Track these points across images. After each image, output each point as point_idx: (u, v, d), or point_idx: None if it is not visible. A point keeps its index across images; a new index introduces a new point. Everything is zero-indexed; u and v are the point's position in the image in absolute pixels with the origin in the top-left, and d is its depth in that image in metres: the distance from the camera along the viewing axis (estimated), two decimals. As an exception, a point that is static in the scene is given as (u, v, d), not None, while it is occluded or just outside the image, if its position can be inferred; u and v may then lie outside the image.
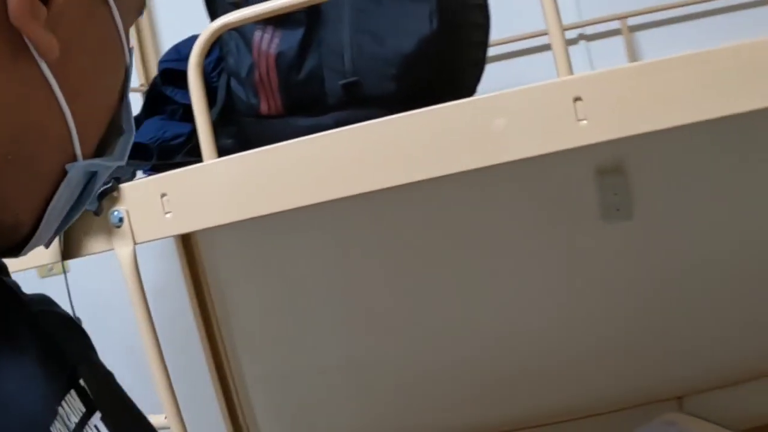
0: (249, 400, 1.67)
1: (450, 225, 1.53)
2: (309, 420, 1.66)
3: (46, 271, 1.88)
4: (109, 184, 0.86)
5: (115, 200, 0.87)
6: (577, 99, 0.79)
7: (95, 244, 0.89)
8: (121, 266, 0.88)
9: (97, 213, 0.86)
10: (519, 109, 0.81)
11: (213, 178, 0.86)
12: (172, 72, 1.09)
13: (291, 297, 1.63)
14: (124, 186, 0.88)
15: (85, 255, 0.91)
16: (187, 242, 1.59)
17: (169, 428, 0.86)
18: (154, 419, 0.86)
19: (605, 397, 1.53)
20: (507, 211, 1.52)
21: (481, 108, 0.82)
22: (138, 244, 0.88)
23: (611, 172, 1.46)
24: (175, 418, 0.85)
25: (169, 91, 1.10)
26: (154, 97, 1.13)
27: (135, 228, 0.87)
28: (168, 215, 0.85)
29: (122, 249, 0.87)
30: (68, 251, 0.90)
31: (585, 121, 0.80)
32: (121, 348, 1.81)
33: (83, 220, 0.89)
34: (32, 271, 1.88)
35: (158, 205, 0.85)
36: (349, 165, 0.83)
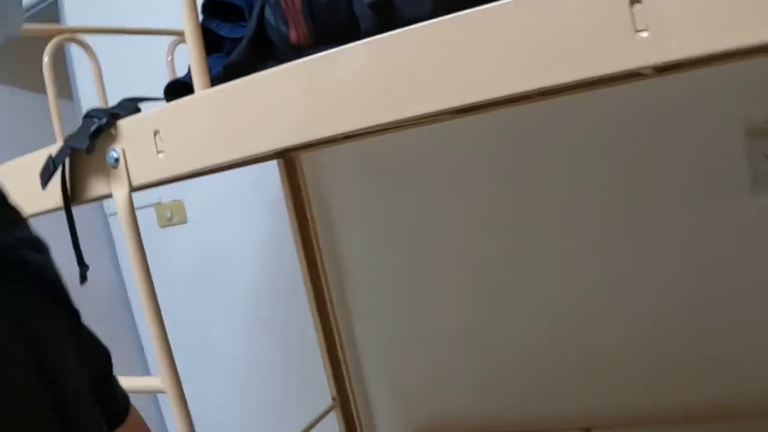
0: (359, 367, 1.58)
1: (579, 200, 1.33)
2: (419, 388, 1.54)
3: (165, 221, 1.88)
4: (104, 120, 0.78)
5: (112, 138, 0.79)
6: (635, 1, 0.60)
7: (96, 187, 0.81)
8: (117, 211, 0.79)
9: (88, 151, 0.77)
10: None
11: (206, 111, 0.74)
12: (216, 3, 0.99)
13: (409, 261, 1.51)
14: (121, 122, 0.79)
15: (87, 200, 0.83)
16: (297, 197, 1.51)
17: (164, 392, 0.77)
18: (149, 380, 0.77)
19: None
20: (643, 184, 1.28)
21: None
22: (135, 189, 0.79)
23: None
24: (171, 381, 0.76)
25: (214, 25, 1.00)
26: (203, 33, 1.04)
27: (131, 169, 0.78)
28: (161, 155, 0.76)
29: (118, 192, 0.79)
30: (73, 196, 0.83)
31: (645, 33, 0.60)
32: (238, 295, 1.82)
33: (86, 163, 0.81)
34: (153, 221, 1.90)
35: (151, 144, 0.76)
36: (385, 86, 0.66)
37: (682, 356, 1.31)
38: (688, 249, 1.26)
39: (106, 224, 2.05)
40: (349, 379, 1.58)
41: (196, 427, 1.92)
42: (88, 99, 1.85)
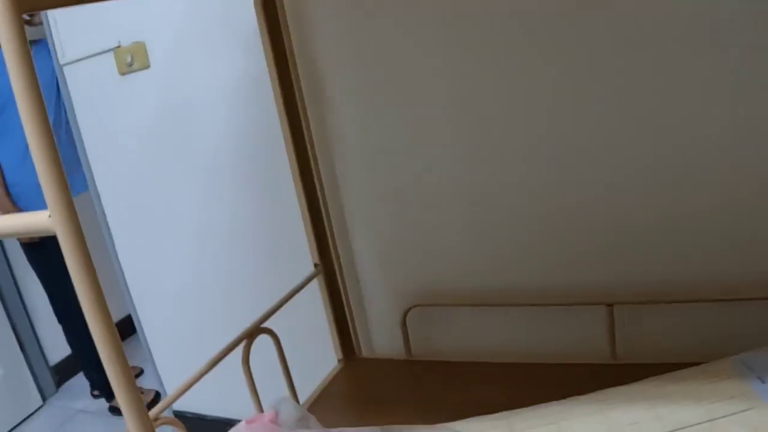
0: (346, 235, 1.39)
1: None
2: (412, 258, 1.36)
3: (125, 67, 1.64)
4: None
5: None
6: None
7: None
8: None
9: None
10: None
11: None
12: None
13: (402, 109, 1.29)
14: None
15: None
16: (275, 32, 1.27)
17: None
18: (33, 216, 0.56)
19: None
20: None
21: None
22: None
23: None
24: (63, 215, 0.54)
25: None
26: None
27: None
28: None
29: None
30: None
31: None
32: (208, 151, 1.61)
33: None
34: (112, 69, 1.66)
35: None
36: None
37: (711, 234, 1.13)
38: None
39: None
40: (334, 247, 1.39)
41: (170, 302, 1.77)
42: None
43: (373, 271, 1.40)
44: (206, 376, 1.08)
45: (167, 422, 0.98)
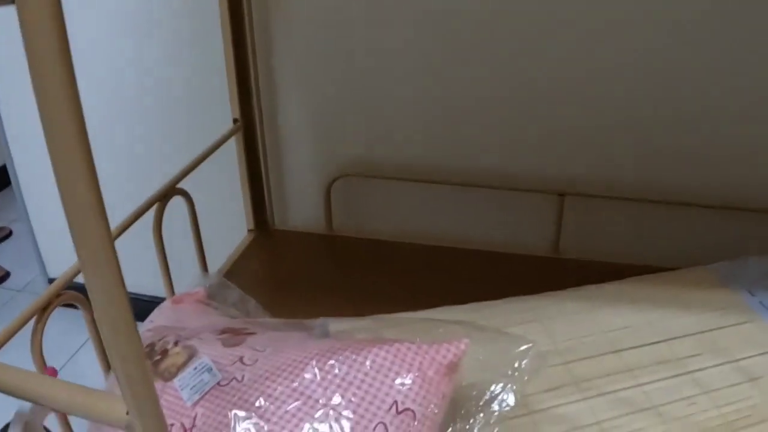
0: (273, 96, 1.20)
1: None
2: (336, 105, 1.19)
3: None
4: None
5: None
6: None
7: None
8: None
9: None
10: None
11: None
12: None
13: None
14: None
15: None
16: None
17: None
18: None
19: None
20: None
21: None
22: None
23: None
24: None
25: None
26: None
27: None
28: None
29: None
30: None
31: None
32: None
33: None
34: None
35: None
36: None
37: (664, 135, 1.06)
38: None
39: None
40: (258, 102, 1.20)
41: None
42: None
43: (300, 134, 1.23)
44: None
45: (70, 299, 0.79)
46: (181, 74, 1.23)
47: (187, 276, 1.01)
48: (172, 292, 1.01)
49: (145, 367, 0.33)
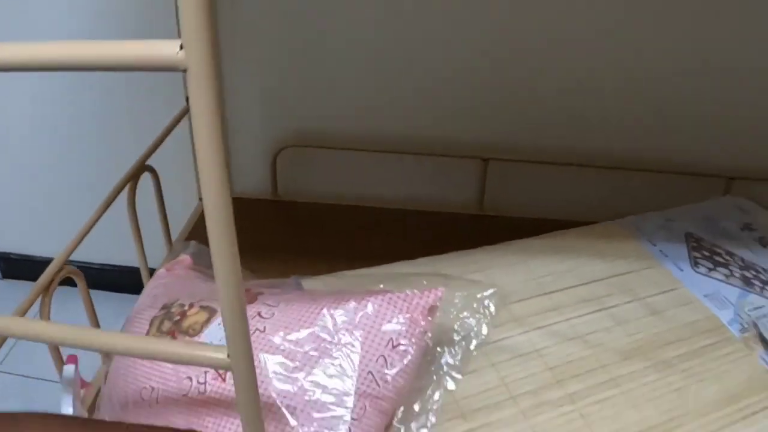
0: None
1: None
2: (283, 79, 1.30)
3: None
4: None
5: None
6: None
7: None
8: None
9: None
10: None
11: None
12: None
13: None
14: None
15: None
16: None
17: None
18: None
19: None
20: None
21: None
22: None
23: None
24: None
25: None
26: None
27: None
28: None
29: None
30: None
31: None
32: None
33: None
34: None
35: None
36: None
37: (585, 102, 1.22)
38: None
39: None
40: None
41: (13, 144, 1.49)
42: None
43: (247, 108, 1.33)
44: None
45: (69, 273, 0.89)
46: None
47: (152, 248, 1.11)
48: (146, 263, 1.11)
49: (245, 318, 0.45)
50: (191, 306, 0.74)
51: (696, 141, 1.26)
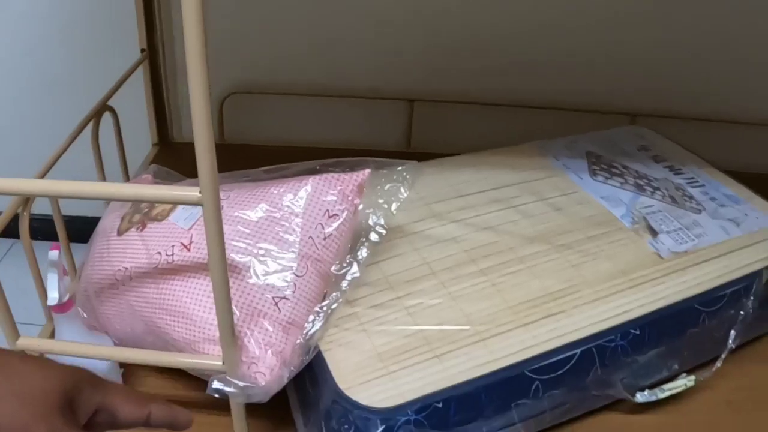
0: (170, 20, 1.39)
1: None
2: (236, 47, 1.41)
3: None
4: None
5: None
6: None
7: None
8: None
9: None
10: None
11: None
12: None
13: None
14: None
15: None
16: None
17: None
18: None
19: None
20: None
21: None
22: None
23: None
24: None
25: None
26: None
27: None
28: None
29: None
30: None
31: None
32: None
33: None
34: None
35: None
36: None
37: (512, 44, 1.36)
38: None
39: None
40: (161, 35, 1.39)
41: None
42: None
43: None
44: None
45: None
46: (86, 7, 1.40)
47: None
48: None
49: (214, 160, 0.56)
50: (159, 200, 0.85)
51: (602, 81, 1.41)
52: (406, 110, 1.44)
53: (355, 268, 0.81)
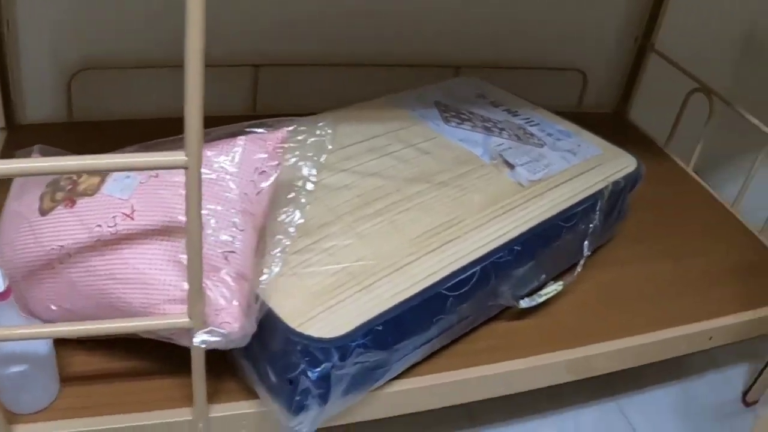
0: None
1: None
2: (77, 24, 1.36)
3: None
4: None
5: None
6: None
7: None
8: None
9: None
10: None
11: None
12: None
13: None
14: None
15: None
16: None
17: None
18: None
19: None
20: None
21: None
22: None
23: None
24: None
25: None
26: None
27: None
28: None
29: None
30: None
31: None
32: None
33: None
34: None
35: None
36: None
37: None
38: None
39: None
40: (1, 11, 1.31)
41: None
42: None
43: (37, 35, 1.37)
44: None
45: None
46: None
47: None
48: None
49: (201, 126, 0.61)
50: (79, 176, 0.85)
51: (428, 36, 1.54)
52: (251, 75, 1.49)
53: (298, 215, 0.88)
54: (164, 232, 0.77)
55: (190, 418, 0.86)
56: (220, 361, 0.87)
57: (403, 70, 1.55)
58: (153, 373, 0.91)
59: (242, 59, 1.47)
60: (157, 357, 0.92)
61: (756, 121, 1.43)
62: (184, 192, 0.76)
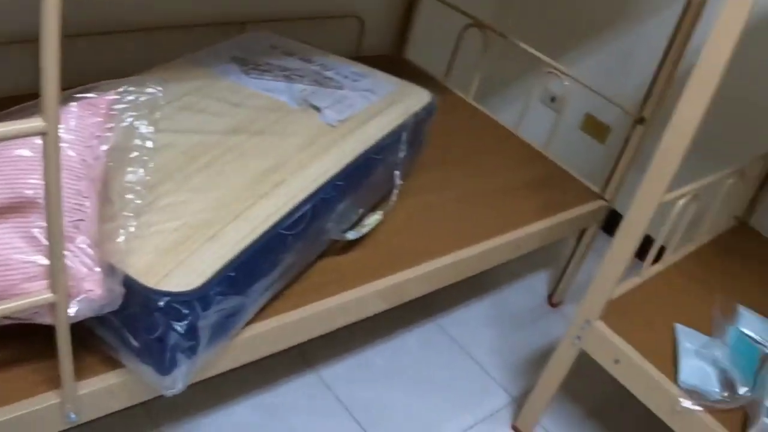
0: None
1: None
2: None
3: None
4: None
5: None
6: None
7: None
8: None
9: None
10: None
11: None
12: None
13: None
14: None
15: None
16: None
17: None
18: None
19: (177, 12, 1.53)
20: None
21: None
22: None
23: None
24: None
25: None
26: None
27: None
28: None
29: None
30: None
31: None
32: None
33: None
34: None
35: None
36: None
37: None
38: None
39: None
40: None
41: None
42: None
43: None
44: None
45: None
46: None
47: None
48: None
49: (59, 91, 0.61)
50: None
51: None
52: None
53: (142, 172, 0.90)
54: (12, 209, 0.76)
55: (59, 400, 0.86)
56: (73, 340, 0.86)
57: (191, 31, 1.55)
58: (7, 363, 0.89)
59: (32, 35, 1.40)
60: (7, 345, 0.90)
61: (527, 47, 1.60)
62: (25, 166, 0.76)
